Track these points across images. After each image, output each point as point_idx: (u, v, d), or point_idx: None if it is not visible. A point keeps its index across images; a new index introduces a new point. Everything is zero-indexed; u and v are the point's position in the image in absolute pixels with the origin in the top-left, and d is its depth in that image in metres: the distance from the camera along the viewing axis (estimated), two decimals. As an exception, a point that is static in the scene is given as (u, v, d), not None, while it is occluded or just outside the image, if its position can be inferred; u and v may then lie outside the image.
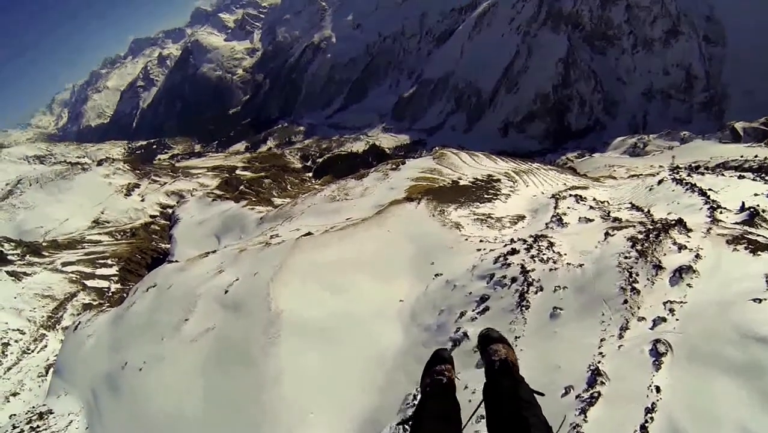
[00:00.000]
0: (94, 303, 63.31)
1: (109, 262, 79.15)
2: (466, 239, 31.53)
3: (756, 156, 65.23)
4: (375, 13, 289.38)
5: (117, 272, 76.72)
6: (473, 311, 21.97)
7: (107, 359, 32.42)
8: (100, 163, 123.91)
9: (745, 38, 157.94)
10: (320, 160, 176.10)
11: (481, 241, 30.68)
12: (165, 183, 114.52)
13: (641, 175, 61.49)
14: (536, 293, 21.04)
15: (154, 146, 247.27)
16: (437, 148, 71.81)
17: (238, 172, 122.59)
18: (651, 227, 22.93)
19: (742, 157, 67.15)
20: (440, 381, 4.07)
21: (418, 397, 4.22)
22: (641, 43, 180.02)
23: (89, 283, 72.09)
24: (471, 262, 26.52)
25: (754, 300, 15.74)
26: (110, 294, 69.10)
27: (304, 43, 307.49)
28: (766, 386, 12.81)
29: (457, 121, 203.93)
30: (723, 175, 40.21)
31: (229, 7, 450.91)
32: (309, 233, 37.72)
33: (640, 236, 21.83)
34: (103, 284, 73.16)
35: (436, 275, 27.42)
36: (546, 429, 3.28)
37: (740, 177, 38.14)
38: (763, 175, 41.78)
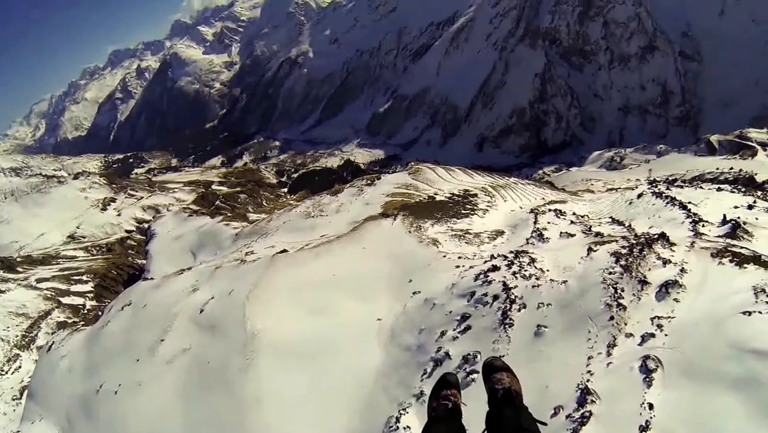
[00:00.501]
0: (69, 321, 62.09)
1: (85, 278, 77.84)
2: (444, 256, 31.25)
3: (731, 168, 66.71)
4: (353, 29, 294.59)
5: (92, 289, 75.47)
6: (454, 330, 21.66)
7: (82, 382, 31.59)
8: (76, 176, 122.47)
9: (719, 54, 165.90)
10: (295, 175, 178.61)
11: (459, 257, 30.41)
12: (141, 197, 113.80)
13: (619, 188, 62.34)
14: (519, 310, 20.83)
15: (131, 160, 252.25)
16: (413, 163, 71.90)
17: (214, 187, 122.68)
18: (634, 242, 23.00)
19: (717, 169, 68.64)
20: (446, 406, 4.08)
21: (424, 421, 4.08)
22: (618, 59, 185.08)
23: (64, 300, 70.80)
24: (450, 279, 26.23)
25: (744, 313, 15.77)
26: (85, 311, 67.94)
27: (281, 58, 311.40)
28: (766, 399, 12.77)
29: (432, 136, 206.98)
30: (701, 188, 40.83)
31: (208, 20, 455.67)
32: (284, 251, 37.28)
33: (623, 251, 21.83)
34: (79, 301, 71.84)
35: (414, 293, 27.07)
36: None
37: (719, 189, 38.81)
38: (739, 187, 42.70)
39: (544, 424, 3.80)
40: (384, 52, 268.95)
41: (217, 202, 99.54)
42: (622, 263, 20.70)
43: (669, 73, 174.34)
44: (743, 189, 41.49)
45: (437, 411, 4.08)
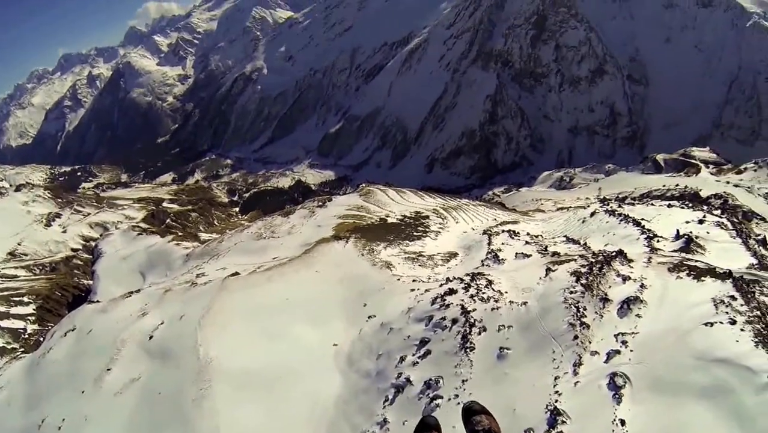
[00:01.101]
0: (8, 347, 58.22)
1: (26, 299, 72.95)
2: (399, 279, 31.15)
3: (677, 185, 69.42)
4: (307, 47, 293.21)
5: (34, 311, 70.48)
6: (414, 355, 21.44)
7: (22, 417, 29.11)
8: (18, 188, 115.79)
9: (665, 78, 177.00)
10: (247, 195, 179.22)
11: (414, 280, 30.37)
12: (89, 214, 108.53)
13: (570, 207, 63.76)
14: (480, 333, 20.82)
15: (79, 173, 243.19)
16: (363, 184, 71.82)
17: (165, 204, 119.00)
18: (593, 260, 23.44)
19: (664, 186, 71.28)
20: None
21: None
22: (568, 81, 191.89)
23: (3, 323, 66.00)
24: (406, 303, 26.08)
25: (706, 324, 16.22)
26: (26, 336, 63.68)
27: (236, 74, 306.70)
28: (736, 405, 13.20)
29: (382, 157, 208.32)
30: (652, 204, 42.41)
31: (164, 30, 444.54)
32: (236, 273, 36.39)
33: (583, 270, 22.21)
34: (19, 324, 67.08)
35: (370, 317, 26.84)
36: None
37: (669, 206, 40.39)
38: (687, 203, 44.41)
39: None
40: (337, 71, 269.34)
41: (168, 220, 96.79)
42: (583, 281, 21.04)
43: (617, 96, 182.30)
44: (691, 204, 43.25)
45: None
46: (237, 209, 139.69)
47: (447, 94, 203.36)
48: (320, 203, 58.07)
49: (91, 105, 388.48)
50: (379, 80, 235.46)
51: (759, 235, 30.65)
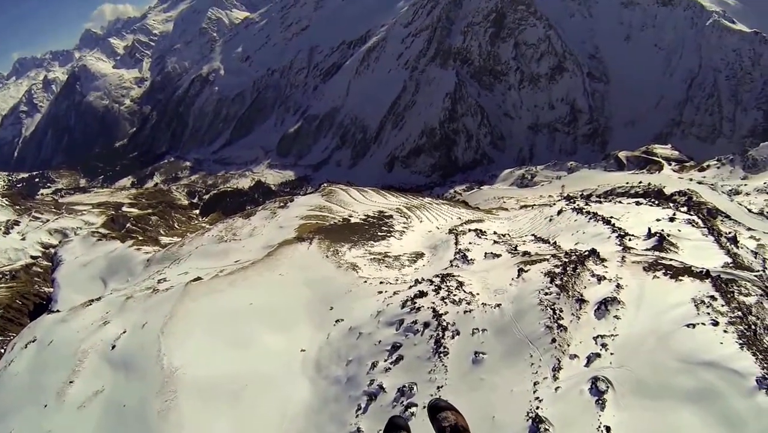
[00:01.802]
0: None
1: None
2: (365, 282, 30.60)
3: (640, 182, 70.97)
4: (265, 47, 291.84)
5: None
6: (385, 360, 20.78)
7: None
8: None
9: (625, 76, 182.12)
10: (207, 197, 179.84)
11: (381, 282, 29.86)
12: (48, 220, 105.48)
13: (534, 205, 64.37)
14: (453, 337, 20.33)
15: (37, 180, 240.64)
16: (325, 184, 70.93)
17: (124, 209, 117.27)
18: (566, 260, 23.26)
19: (627, 183, 72.75)
20: None
21: None
22: (528, 78, 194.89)
23: None
24: (374, 307, 25.48)
25: (688, 326, 16.07)
26: None
27: (192, 75, 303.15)
28: (725, 409, 12.98)
29: (342, 156, 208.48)
30: (620, 202, 42.68)
31: (119, 32, 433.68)
32: (198, 278, 35.29)
33: (557, 270, 21.97)
34: None
35: (337, 321, 26.17)
36: None
37: (637, 204, 40.64)
38: (653, 200, 44.99)
39: None
40: (295, 71, 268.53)
41: (128, 225, 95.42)
42: (558, 282, 20.76)
43: (577, 93, 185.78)
44: (657, 202, 43.82)
45: None
46: (197, 211, 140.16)
47: (406, 93, 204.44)
48: (282, 204, 57.16)
49: (48, 110, 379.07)
50: (337, 79, 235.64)
51: (729, 233, 31.03)
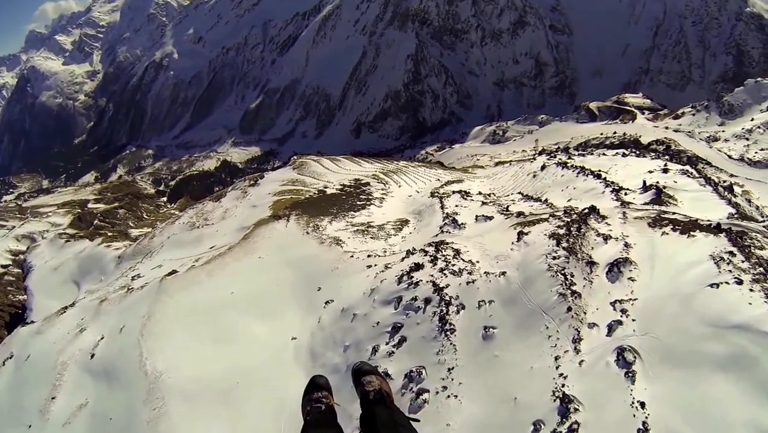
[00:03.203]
0: None
1: None
2: (351, 256, 29.22)
3: (615, 132, 70.70)
4: (217, 26, 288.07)
5: None
6: (387, 343, 19.44)
7: None
8: None
9: (589, 26, 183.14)
10: (173, 183, 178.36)
11: (369, 256, 28.56)
12: (14, 227, 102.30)
13: (512, 161, 63.41)
14: (458, 312, 19.07)
15: None
16: (295, 157, 69.11)
17: (90, 205, 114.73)
18: (568, 220, 22.12)
19: (602, 134, 72.42)
20: (318, 408, 4.32)
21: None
22: (490, 35, 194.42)
23: None
24: (366, 284, 24.18)
25: (712, 286, 15.11)
26: None
27: (145, 62, 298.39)
28: (762, 375, 12.10)
29: (307, 127, 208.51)
30: (604, 155, 41.87)
31: (65, 29, 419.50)
32: (173, 271, 33.55)
33: (561, 231, 20.85)
34: None
35: (327, 302, 24.82)
36: None
37: (623, 155, 39.85)
38: (634, 150, 44.39)
39: (417, 420, 4.05)
40: (250, 47, 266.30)
41: (96, 221, 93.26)
42: (564, 244, 19.61)
43: (541, 46, 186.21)
44: (637, 152, 43.20)
45: (311, 414, 4.37)
46: (165, 199, 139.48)
47: (366, 58, 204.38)
48: (252, 182, 55.34)
49: (0, 117, 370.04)
50: (294, 51, 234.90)
51: (724, 181, 30.44)
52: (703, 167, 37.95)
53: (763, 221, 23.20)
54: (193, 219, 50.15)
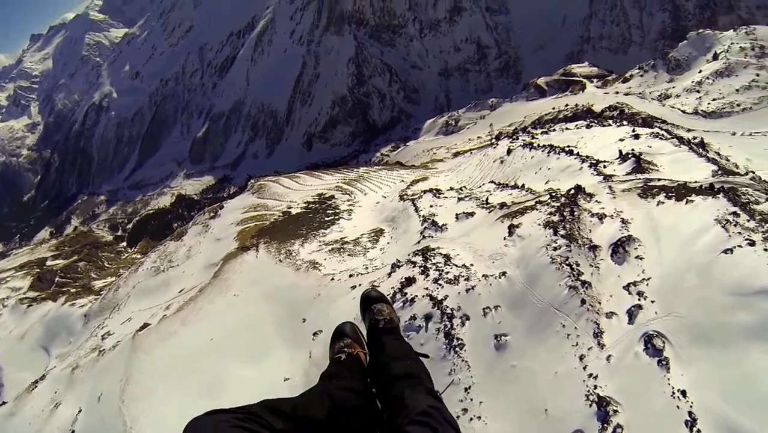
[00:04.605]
0: None
1: None
2: (332, 279, 28.08)
3: (567, 105, 71.28)
4: (152, 58, 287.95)
5: None
6: (393, 371, 18.25)
7: None
8: None
9: (525, 2, 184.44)
10: (130, 226, 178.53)
11: (351, 276, 27.44)
12: None
13: (471, 150, 63.06)
14: (463, 324, 17.99)
15: None
16: (252, 180, 67.72)
17: (49, 263, 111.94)
18: (558, 204, 21.30)
19: (554, 109, 73.02)
20: (339, 358, 4.01)
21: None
22: (428, 26, 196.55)
23: None
24: (354, 307, 22.69)
25: (726, 252, 14.42)
26: None
27: (85, 106, 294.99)
28: None
29: (257, 147, 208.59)
30: (568, 129, 41.45)
31: None
32: (145, 325, 31.92)
33: (554, 219, 19.97)
34: None
35: (315, 333, 23.58)
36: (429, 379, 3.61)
37: (588, 127, 39.49)
38: (593, 120, 44.25)
39: (427, 356, 3.96)
40: (189, 75, 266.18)
41: (57, 279, 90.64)
42: (562, 232, 18.73)
43: (480, 30, 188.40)
44: (595, 120, 43.06)
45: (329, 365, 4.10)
46: (125, 244, 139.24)
47: (307, 68, 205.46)
48: (212, 214, 53.84)
49: None
50: (233, 72, 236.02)
51: (695, 138, 30.17)
52: (658, 126, 37.87)
53: (746, 174, 22.80)
54: (156, 263, 48.67)
